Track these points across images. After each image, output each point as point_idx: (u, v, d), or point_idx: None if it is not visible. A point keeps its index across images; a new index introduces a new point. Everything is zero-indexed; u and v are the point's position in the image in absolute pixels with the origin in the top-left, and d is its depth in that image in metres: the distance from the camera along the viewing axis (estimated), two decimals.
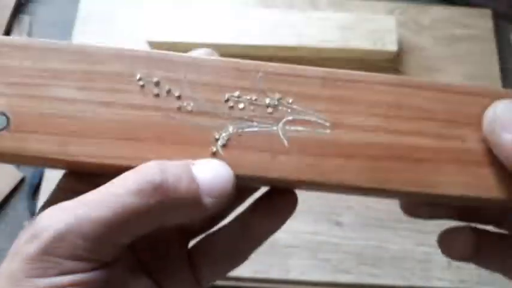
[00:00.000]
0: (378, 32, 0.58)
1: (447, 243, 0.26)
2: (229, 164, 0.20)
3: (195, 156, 0.20)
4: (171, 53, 0.21)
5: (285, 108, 0.21)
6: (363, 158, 0.21)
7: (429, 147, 0.21)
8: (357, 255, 0.50)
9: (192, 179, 0.19)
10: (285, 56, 0.58)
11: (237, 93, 0.21)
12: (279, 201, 0.24)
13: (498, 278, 0.49)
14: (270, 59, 0.60)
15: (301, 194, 0.57)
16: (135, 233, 0.19)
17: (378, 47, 0.58)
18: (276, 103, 0.21)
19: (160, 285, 0.23)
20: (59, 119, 0.20)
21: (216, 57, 0.22)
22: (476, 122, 0.21)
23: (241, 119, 0.21)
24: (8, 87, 0.20)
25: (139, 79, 0.21)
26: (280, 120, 0.21)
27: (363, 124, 0.21)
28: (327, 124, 0.21)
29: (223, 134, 0.21)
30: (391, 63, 0.59)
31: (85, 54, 0.21)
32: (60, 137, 0.20)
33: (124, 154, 0.20)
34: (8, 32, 0.60)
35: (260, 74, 0.21)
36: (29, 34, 0.60)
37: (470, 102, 0.22)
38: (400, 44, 0.60)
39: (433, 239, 0.51)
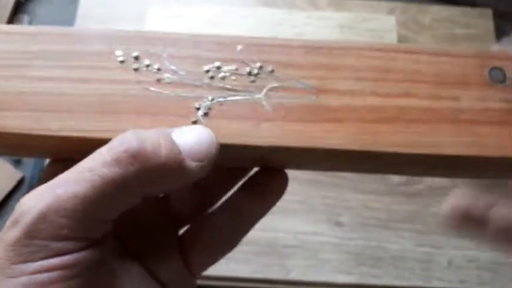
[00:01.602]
0: (378, 31, 0.58)
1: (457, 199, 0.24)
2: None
3: (174, 125, 0.20)
4: (151, 30, 0.22)
5: (267, 77, 0.21)
6: (352, 121, 0.20)
7: (422, 107, 0.21)
8: (357, 255, 0.50)
9: (172, 144, 0.19)
10: None
11: (217, 64, 0.21)
12: (268, 181, 0.23)
13: (498, 278, 0.49)
14: None
15: (301, 195, 0.57)
16: (119, 205, 0.19)
17: None
18: (258, 71, 0.21)
19: (152, 273, 0.23)
20: (37, 96, 0.20)
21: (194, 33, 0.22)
22: (468, 81, 0.21)
23: (222, 88, 0.20)
24: None
25: (119, 55, 0.21)
26: (263, 88, 0.21)
27: (351, 88, 0.21)
28: (313, 90, 0.21)
29: (204, 104, 0.20)
30: None
31: (64, 35, 0.21)
32: (38, 112, 0.20)
33: (103, 127, 0.20)
34: None
35: (240, 46, 0.21)
36: None
37: (459, 64, 0.21)
38: (400, 43, 0.59)
39: (433, 239, 0.51)
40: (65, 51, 0.21)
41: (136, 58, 0.21)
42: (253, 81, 0.21)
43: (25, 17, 0.62)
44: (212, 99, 0.20)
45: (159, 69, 0.21)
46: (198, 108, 0.20)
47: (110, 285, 0.20)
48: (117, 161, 0.18)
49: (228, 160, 0.21)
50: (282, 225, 0.51)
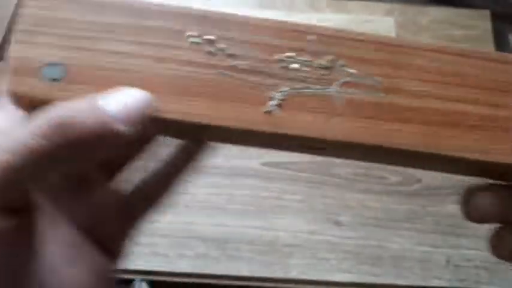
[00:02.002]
0: (377, 33, 0.59)
1: (497, 243, 0.24)
2: (285, 124, 0.20)
3: (249, 114, 0.20)
4: (225, 12, 0.21)
5: (339, 71, 0.21)
6: (418, 122, 0.21)
7: (484, 114, 0.21)
8: (356, 254, 0.51)
9: (99, 111, 0.18)
10: None
11: (290, 54, 0.21)
12: (193, 146, 0.25)
13: (496, 277, 0.49)
14: None
15: (301, 194, 0.58)
16: (46, 174, 0.19)
17: None
18: (330, 65, 0.21)
19: (91, 233, 0.23)
20: (112, 71, 0.20)
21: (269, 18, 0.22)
22: None
23: (295, 79, 0.21)
24: (64, 40, 0.20)
25: (193, 36, 0.21)
26: (335, 82, 0.21)
27: (418, 89, 0.21)
28: (382, 87, 0.21)
29: (278, 94, 0.20)
30: None
31: (139, 9, 0.21)
32: (113, 88, 0.20)
33: (176, 109, 0.20)
34: (9, 32, 0.61)
35: (313, 36, 0.21)
36: None
37: None
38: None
39: (432, 238, 0.52)
40: (137, 25, 0.21)
41: (210, 42, 0.21)
42: (325, 74, 0.21)
43: None
44: (285, 90, 0.21)
45: (233, 55, 0.21)
46: (272, 98, 0.20)
47: (34, 253, 0.20)
48: (43, 133, 0.18)
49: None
50: (282, 224, 0.52)
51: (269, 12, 0.60)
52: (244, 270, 0.49)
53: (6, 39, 0.61)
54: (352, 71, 0.21)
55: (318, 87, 0.21)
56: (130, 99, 0.19)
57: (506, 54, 0.22)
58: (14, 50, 0.20)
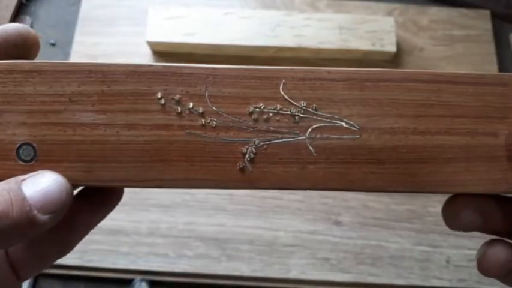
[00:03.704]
0: (377, 33, 0.59)
1: (486, 258, 0.23)
2: (259, 179, 0.20)
3: (223, 174, 0.20)
4: (189, 65, 0.21)
5: (311, 116, 0.21)
6: (392, 162, 0.21)
7: (459, 145, 0.21)
8: (356, 254, 0.51)
9: (23, 200, 0.18)
10: (285, 56, 0.58)
11: (260, 105, 0.21)
12: (105, 195, 0.23)
13: None
14: (270, 59, 0.60)
15: (301, 194, 0.57)
16: None
17: (377, 47, 0.58)
18: (302, 112, 0.21)
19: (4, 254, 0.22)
20: (83, 145, 0.20)
21: (234, 66, 0.21)
22: (508, 114, 0.21)
23: (266, 131, 0.20)
24: (28, 116, 0.20)
25: (160, 98, 0.20)
26: (307, 129, 0.21)
27: (392, 126, 0.21)
28: (355, 129, 0.21)
29: (250, 149, 0.20)
30: (390, 64, 0.59)
31: (99, 73, 0.20)
32: (86, 163, 0.20)
33: (152, 177, 0.20)
34: None
35: (283, 80, 0.21)
36: None
37: (503, 93, 0.21)
38: (399, 44, 0.60)
39: (432, 238, 0.52)
40: (100, 92, 0.20)
41: (178, 102, 0.20)
42: (296, 122, 0.21)
43: (27, 18, 0.62)
44: (257, 143, 0.20)
45: (202, 113, 0.20)
46: (244, 154, 0.20)
47: None
48: None
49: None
50: (282, 224, 0.52)
51: (270, 11, 0.60)
52: (244, 270, 0.49)
53: None
54: (323, 114, 0.21)
55: (290, 136, 0.20)
56: (52, 187, 0.19)
57: (484, 74, 0.21)
58: None
